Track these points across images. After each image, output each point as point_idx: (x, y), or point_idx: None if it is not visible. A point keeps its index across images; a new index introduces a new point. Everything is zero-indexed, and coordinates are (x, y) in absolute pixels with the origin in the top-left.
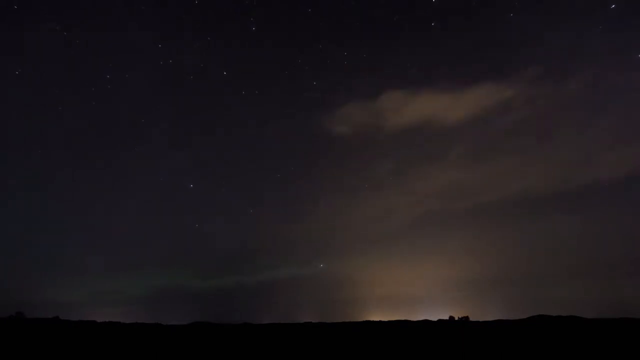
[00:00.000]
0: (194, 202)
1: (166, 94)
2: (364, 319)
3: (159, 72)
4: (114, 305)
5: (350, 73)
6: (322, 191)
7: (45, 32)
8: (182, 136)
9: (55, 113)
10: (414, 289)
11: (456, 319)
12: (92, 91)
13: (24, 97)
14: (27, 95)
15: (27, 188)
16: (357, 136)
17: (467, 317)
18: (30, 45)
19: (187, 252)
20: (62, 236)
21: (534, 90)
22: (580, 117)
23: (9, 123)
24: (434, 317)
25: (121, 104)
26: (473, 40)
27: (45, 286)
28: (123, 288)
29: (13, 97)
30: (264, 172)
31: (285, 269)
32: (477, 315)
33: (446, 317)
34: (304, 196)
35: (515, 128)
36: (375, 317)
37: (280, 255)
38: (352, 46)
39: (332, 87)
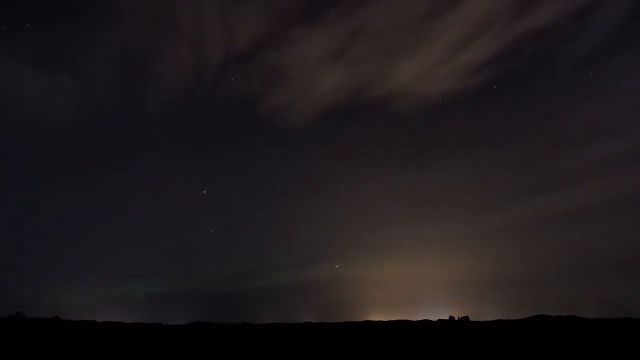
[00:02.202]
0: (207, 207)
1: (177, 103)
2: (364, 319)
3: (167, 79)
4: (116, 306)
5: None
6: (330, 194)
7: (56, 46)
8: (194, 143)
9: (69, 124)
10: (414, 289)
11: (456, 319)
12: (103, 103)
13: (37, 108)
14: (41, 109)
15: (42, 192)
16: None
17: (467, 317)
18: (41, 59)
19: (200, 255)
20: (70, 240)
21: None
22: None
23: (17, 130)
24: (434, 317)
25: (134, 114)
26: None
27: (48, 287)
28: (130, 291)
29: (26, 108)
30: (275, 175)
31: (302, 271)
32: (477, 315)
33: (446, 317)
34: (312, 199)
35: None
36: (376, 317)
37: (294, 257)
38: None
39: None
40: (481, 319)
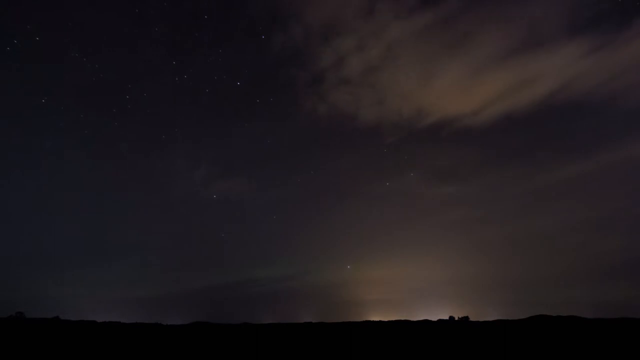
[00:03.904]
0: (217, 212)
1: (184, 109)
2: (364, 319)
3: (175, 88)
4: (117, 307)
5: None
6: (338, 195)
7: (66, 60)
8: (202, 147)
9: (80, 135)
10: (414, 289)
11: (456, 319)
12: (113, 112)
13: (50, 123)
14: (53, 121)
15: (44, 192)
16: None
17: (467, 317)
18: (53, 74)
19: (209, 259)
20: (71, 240)
21: None
22: None
23: (32, 142)
24: (434, 317)
25: (142, 122)
26: None
27: (48, 287)
28: (132, 292)
29: (40, 123)
30: (283, 178)
31: (316, 273)
32: (477, 315)
33: (446, 317)
34: (319, 200)
35: None
36: (375, 317)
37: (303, 260)
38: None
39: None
40: (481, 319)
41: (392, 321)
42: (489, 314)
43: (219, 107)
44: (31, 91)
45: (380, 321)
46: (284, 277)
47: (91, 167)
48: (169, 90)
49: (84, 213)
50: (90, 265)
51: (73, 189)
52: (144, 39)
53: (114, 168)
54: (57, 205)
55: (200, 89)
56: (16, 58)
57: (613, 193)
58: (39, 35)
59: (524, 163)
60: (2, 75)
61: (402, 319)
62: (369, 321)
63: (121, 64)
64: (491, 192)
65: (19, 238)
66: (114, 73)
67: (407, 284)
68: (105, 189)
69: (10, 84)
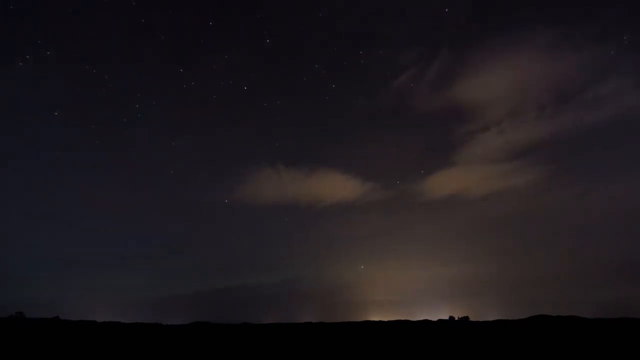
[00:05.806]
0: (228, 216)
1: (193, 115)
2: (364, 319)
3: (183, 95)
4: (117, 308)
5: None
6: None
7: (76, 72)
8: (208, 153)
9: (92, 144)
10: (414, 289)
11: (456, 319)
12: (123, 121)
13: (62, 133)
14: (65, 131)
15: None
16: None
17: (467, 317)
18: (64, 87)
19: (217, 262)
20: (72, 241)
21: None
22: None
23: (39, 148)
24: (434, 317)
25: (151, 130)
26: None
27: (48, 287)
28: (133, 293)
29: (53, 133)
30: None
31: (317, 274)
32: (477, 315)
33: (446, 317)
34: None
35: None
36: (375, 318)
37: (305, 260)
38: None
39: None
40: (481, 319)
41: (392, 321)
42: (489, 314)
43: (226, 112)
44: (43, 104)
45: (380, 321)
46: (284, 278)
47: (101, 173)
48: (177, 97)
49: (87, 214)
50: (90, 266)
51: (78, 190)
52: (151, 48)
53: (123, 174)
54: (59, 207)
55: (208, 95)
56: (28, 72)
57: (613, 195)
58: (50, 49)
59: (525, 169)
60: (15, 90)
61: (402, 319)
62: (369, 321)
63: (129, 73)
64: (492, 194)
65: (19, 239)
66: (123, 83)
67: (407, 285)
68: (110, 192)
69: (23, 98)
